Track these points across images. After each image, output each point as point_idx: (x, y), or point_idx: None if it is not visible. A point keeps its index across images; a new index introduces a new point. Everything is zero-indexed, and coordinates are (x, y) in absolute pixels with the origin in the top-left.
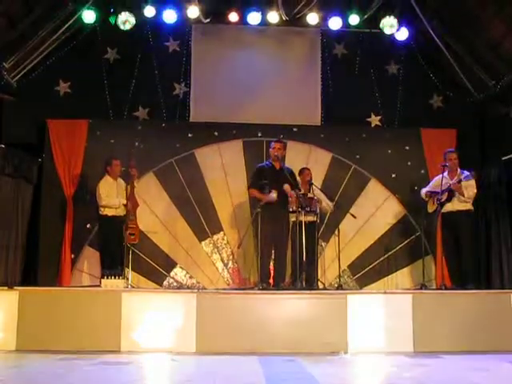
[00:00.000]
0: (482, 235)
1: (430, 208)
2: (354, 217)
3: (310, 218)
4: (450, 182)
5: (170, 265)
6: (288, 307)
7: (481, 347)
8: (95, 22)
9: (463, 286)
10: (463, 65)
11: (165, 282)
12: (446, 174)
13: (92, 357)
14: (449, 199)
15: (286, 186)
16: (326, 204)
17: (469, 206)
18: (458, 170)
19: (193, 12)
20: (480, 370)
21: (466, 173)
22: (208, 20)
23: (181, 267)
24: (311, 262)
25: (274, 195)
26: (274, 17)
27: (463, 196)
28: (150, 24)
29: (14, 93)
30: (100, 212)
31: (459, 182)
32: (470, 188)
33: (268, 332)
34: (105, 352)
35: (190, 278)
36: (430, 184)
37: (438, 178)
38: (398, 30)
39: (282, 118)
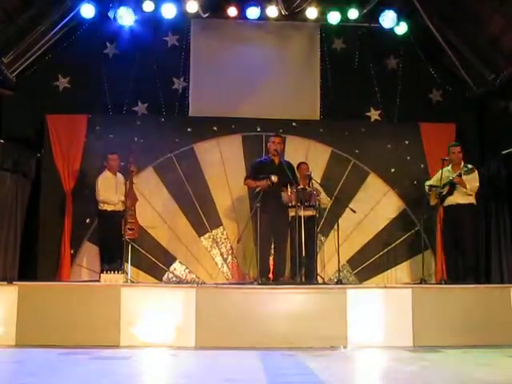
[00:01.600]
0: (481, 229)
1: (433, 201)
2: (354, 211)
3: (309, 213)
4: (452, 176)
5: (170, 260)
6: (287, 302)
7: (481, 341)
8: (94, 16)
9: (462, 281)
10: (462, 59)
11: (164, 277)
12: (449, 167)
13: (91, 352)
14: (450, 193)
15: (284, 195)
16: (325, 198)
17: (471, 200)
18: (462, 163)
19: (192, 6)
20: (480, 365)
21: (469, 166)
22: (207, 14)
23: (180, 262)
24: (310, 257)
25: (274, 178)
26: (273, 11)
27: (465, 188)
28: (149, 19)
29: (13, 88)
30: (99, 207)
31: (460, 175)
32: (472, 181)
33: (267, 327)
34: (104, 347)
35: (190, 272)
36: (434, 177)
37: (440, 171)
38: (397, 25)
39: (281, 112)
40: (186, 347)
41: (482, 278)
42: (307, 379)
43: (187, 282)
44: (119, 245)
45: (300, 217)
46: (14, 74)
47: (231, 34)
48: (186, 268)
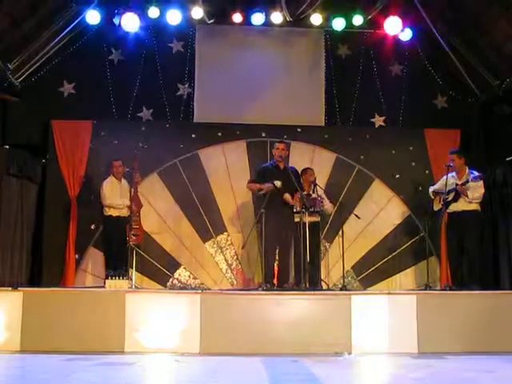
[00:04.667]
0: (488, 236)
1: (436, 206)
2: (358, 217)
3: (314, 219)
4: (457, 183)
5: (174, 265)
6: (292, 308)
7: (486, 348)
8: (99, 22)
9: (468, 287)
10: (467, 65)
11: (168, 283)
12: (454, 173)
13: (96, 357)
14: (455, 199)
15: (286, 196)
16: (329, 204)
17: (475, 207)
18: (467, 170)
19: (197, 13)
20: (486, 372)
21: (475, 173)
22: (212, 21)
23: (184, 268)
24: (315, 263)
25: (277, 183)
26: (277, 17)
27: (467, 197)
28: (154, 25)
29: (19, 94)
30: (104, 212)
31: (465, 183)
32: (477, 189)
33: (272, 333)
34: (109, 352)
35: (194, 278)
36: (438, 183)
37: (444, 178)
38: (401, 31)
39: (286, 118)
40: (190, 353)
41: (490, 285)
42: None
43: (191, 288)
44: (124, 250)
45: (304, 223)
46: (19, 80)
47: (236, 40)
48: (191, 274)
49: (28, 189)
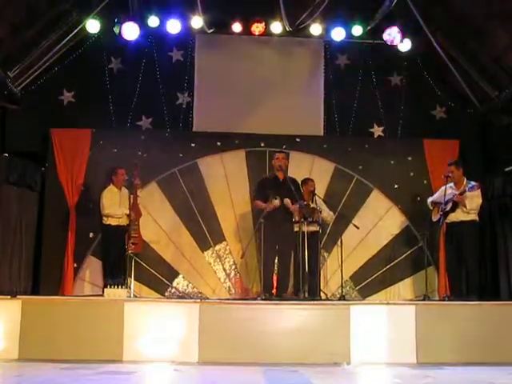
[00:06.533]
0: (487, 246)
1: (434, 216)
2: (357, 227)
3: (313, 229)
4: (455, 193)
5: (173, 274)
6: (291, 317)
7: (485, 359)
8: (99, 31)
9: (466, 298)
10: (466, 76)
11: (167, 292)
12: (452, 184)
13: (94, 366)
14: (453, 209)
15: (287, 201)
16: (327, 214)
17: (473, 217)
18: (464, 180)
19: (196, 22)
20: (483, 382)
21: (472, 183)
22: (212, 30)
23: (183, 277)
24: (313, 273)
25: (276, 202)
26: (277, 27)
27: (465, 207)
28: (154, 34)
29: (18, 102)
30: (103, 221)
31: (462, 193)
32: (474, 199)
33: (271, 342)
34: (107, 361)
35: (193, 287)
36: (436, 193)
37: (443, 188)
38: (401, 41)
39: (285, 128)
40: (188, 362)
41: (490, 295)
42: None
43: (190, 297)
44: (122, 259)
45: (303, 232)
46: (19, 88)
47: (236, 49)
48: (189, 283)
49: (28, 197)
